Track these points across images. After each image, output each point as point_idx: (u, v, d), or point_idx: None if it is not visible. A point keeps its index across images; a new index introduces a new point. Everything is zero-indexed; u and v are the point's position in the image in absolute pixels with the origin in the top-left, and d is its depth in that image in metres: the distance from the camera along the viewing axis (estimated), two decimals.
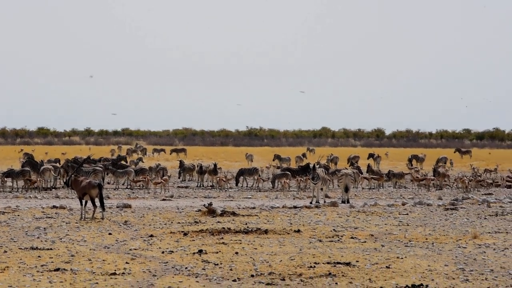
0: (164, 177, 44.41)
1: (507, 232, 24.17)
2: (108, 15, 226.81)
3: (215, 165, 48.94)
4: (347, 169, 43.24)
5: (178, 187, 46.16)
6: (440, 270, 17.32)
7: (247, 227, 25.04)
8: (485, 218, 28.51)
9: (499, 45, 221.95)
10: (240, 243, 21.47)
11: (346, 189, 35.66)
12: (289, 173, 45.64)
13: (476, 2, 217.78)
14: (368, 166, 51.79)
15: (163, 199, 36.48)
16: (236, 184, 46.48)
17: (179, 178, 52.43)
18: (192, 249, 20.25)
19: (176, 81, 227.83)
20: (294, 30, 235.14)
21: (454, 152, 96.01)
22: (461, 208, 32.44)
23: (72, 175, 28.43)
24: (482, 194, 41.12)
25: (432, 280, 16.22)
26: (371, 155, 73.44)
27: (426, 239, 22.54)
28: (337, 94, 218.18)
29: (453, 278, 16.43)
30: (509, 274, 16.98)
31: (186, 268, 17.53)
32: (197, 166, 49.64)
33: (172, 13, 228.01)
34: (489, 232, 24.12)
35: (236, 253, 19.68)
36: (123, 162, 54.61)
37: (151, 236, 22.81)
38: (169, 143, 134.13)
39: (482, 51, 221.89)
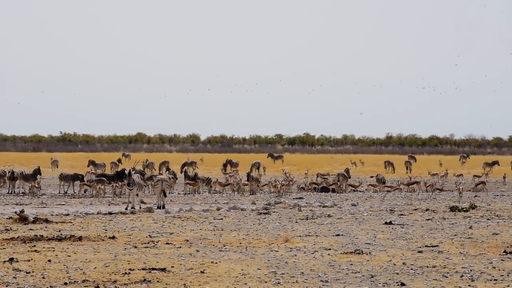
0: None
1: (317, 235, 24.99)
2: None
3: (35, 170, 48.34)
4: (162, 174, 43.36)
5: None
6: (253, 274, 17.71)
7: (61, 234, 24.60)
8: (296, 222, 29.37)
9: (307, 52, 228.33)
10: (53, 250, 21.07)
11: (165, 194, 35.98)
12: (105, 178, 45.28)
13: None
14: (185, 172, 52.10)
15: None
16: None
17: None
18: (3, 257, 19.67)
19: None
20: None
21: (267, 157, 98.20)
22: (274, 212, 33.25)
23: None
24: (293, 198, 42.30)
25: (245, 284, 16.56)
26: (185, 164, 73.96)
27: (240, 243, 22.97)
28: (152, 100, 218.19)
29: (266, 282, 16.84)
30: (318, 276, 17.59)
31: None
32: (8, 172, 48.31)
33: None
34: (300, 236, 24.87)
35: (49, 260, 19.30)
36: None
37: None
38: None
39: (292, 60, 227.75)
